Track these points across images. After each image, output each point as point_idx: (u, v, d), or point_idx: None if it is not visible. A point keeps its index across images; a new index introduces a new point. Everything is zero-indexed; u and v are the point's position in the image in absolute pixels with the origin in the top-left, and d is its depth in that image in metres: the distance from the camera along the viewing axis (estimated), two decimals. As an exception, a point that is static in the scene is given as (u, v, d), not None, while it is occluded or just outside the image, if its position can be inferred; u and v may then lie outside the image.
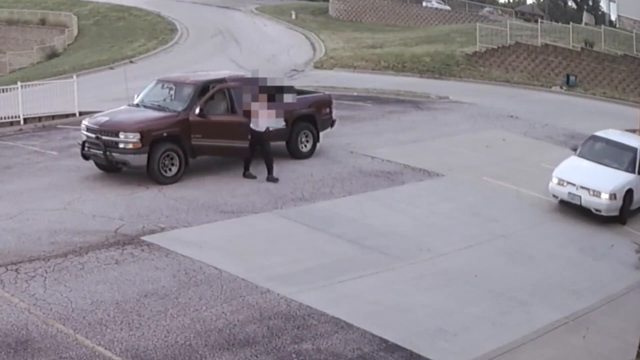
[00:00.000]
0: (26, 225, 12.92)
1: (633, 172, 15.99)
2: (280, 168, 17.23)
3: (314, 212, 14.37)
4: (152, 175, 15.54)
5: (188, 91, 16.49)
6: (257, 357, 9.01)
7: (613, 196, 15.37)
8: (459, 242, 13.51)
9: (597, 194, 15.45)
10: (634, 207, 16.06)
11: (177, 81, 17.31)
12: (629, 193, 15.69)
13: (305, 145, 18.30)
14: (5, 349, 8.77)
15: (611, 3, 59.60)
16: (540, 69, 37.97)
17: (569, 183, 15.76)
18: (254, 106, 15.91)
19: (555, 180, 16.03)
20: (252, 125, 16.07)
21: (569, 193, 15.72)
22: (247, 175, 16.20)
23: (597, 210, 15.50)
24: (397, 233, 13.69)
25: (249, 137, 16.13)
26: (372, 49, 41.73)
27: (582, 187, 15.56)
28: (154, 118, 16.00)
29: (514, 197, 16.51)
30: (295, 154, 18.09)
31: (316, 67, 37.43)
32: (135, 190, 15.12)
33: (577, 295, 11.97)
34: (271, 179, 16.05)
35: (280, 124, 16.78)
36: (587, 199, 15.50)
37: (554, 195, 16.14)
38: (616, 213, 15.56)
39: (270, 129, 16.33)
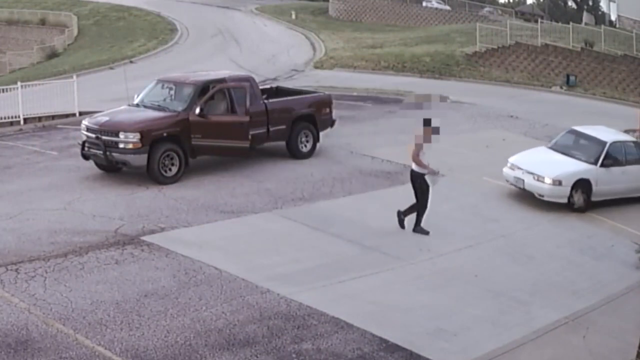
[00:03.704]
0: (26, 225, 12.92)
1: (595, 163, 16.37)
2: (280, 168, 17.25)
3: (314, 212, 14.36)
4: (152, 175, 15.55)
5: (188, 91, 16.50)
6: (257, 357, 9.01)
7: (557, 182, 15.87)
8: (459, 242, 13.50)
9: (541, 179, 15.99)
10: (598, 197, 16.35)
11: (177, 81, 17.33)
12: (584, 183, 16.07)
13: (305, 145, 18.32)
14: (5, 349, 8.77)
15: (611, 3, 59.61)
16: (540, 69, 37.97)
17: (518, 168, 16.47)
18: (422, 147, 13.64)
19: (508, 165, 16.75)
20: (416, 168, 13.81)
21: (515, 177, 16.43)
22: (417, 230, 13.72)
23: (540, 195, 16.04)
24: (397, 233, 13.68)
25: (413, 185, 13.87)
26: (372, 49, 41.73)
27: (528, 172, 16.21)
28: (154, 118, 16.01)
29: (514, 197, 16.51)
30: (295, 154, 18.10)
31: (316, 67, 37.43)
32: (135, 190, 15.13)
33: (577, 295, 11.96)
34: (421, 230, 13.74)
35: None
36: (529, 183, 16.12)
37: (506, 180, 16.78)
38: (563, 200, 15.99)
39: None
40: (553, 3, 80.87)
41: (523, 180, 16.19)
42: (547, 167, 16.23)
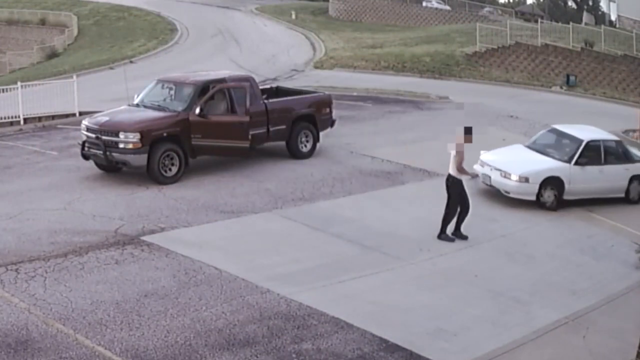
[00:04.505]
0: (26, 225, 12.92)
1: (568, 162, 16.24)
2: (280, 168, 17.25)
3: (314, 212, 14.37)
4: (152, 175, 15.55)
5: (188, 91, 16.50)
6: (257, 357, 9.01)
7: (524, 179, 15.74)
8: (459, 242, 13.50)
9: (507, 175, 15.90)
10: (571, 196, 16.21)
11: (177, 81, 17.33)
12: (554, 180, 15.92)
13: (305, 145, 18.33)
14: (5, 349, 8.77)
15: (611, 3, 59.64)
16: (540, 69, 37.98)
17: (487, 165, 16.41)
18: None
19: (479, 162, 16.67)
20: (455, 175, 13.59)
21: (483, 174, 16.35)
22: (458, 235, 13.59)
23: (505, 191, 15.96)
24: (397, 233, 13.68)
25: (448, 192, 13.68)
26: (372, 49, 41.73)
27: (495, 169, 16.14)
28: (154, 118, 16.01)
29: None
30: (295, 154, 18.11)
31: (316, 67, 37.44)
32: (135, 190, 15.13)
33: (577, 295, 11.95)
34: (446, 238, 13.54)
35: None
36: (496, 179, 16.07)
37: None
38: (530, 197, 15.84)
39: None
40: (553, 3, 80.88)
41: (490, 177, 16.15)
42: (515, 164, 16.12)
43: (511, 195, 15.90)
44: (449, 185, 13.71)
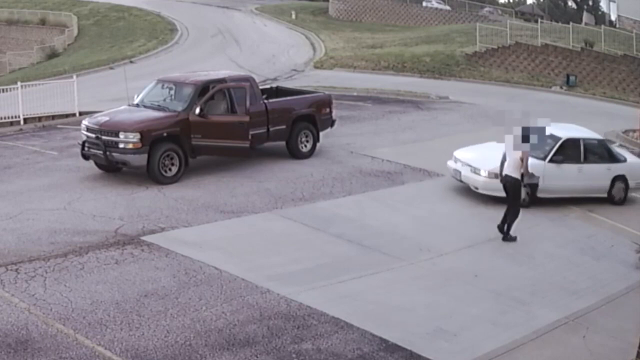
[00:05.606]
0: (26, 225, 12.92)
1: (543, 159, 15.99)
2: (280, 168, 17.26)
3: (314, 212, 14.36)
4: (152, 175, 15.55)
5: (188, 91, 16.50)
6: (257, 357, 9.01)
7: (493, 175, 15.42)
8: (459, 242, 13.50)
9: (477, 171, 15.73)
10: (547, 194, 16.03)
11: (177, 81, 17.33)
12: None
13: (305, 145, 18.33)
14: (5, 349, 8.76)
15: (611, 3, 59.64)
16: (540, 69, 38.01)
17: (458, 160, 16.34)
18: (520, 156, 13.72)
19: (452, 158, 16.62)
20: (516, 176, 13.84)
21: (454, 169, 16.33)
22: (508, 238, 13.79)
23: (475, 187, 15.82)
24: (397, 233, 13.68)
25: (507, 193, 13.98)
26: (372, 49, 41.76)
27: (466, 165, 16.01)
28: (154, 118, 16.01)
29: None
30: (295, 154, 18.11)
31: (316, 67, 37.47)
32: (135, 190, 15.13)
33: (577, 295, 11.95)
34: (510, 238, 13.83)
35: None
36: (466, 175, 15.94)
37: (450, 172, 16.66)
38: (501, 194, 15.35)
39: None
40: (553, 3, 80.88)
41: (460, 172, 16.02)
42: (487, 160, 15.78)
43: (480, 191, 15.71)
44: (508, 187, 13.82)
